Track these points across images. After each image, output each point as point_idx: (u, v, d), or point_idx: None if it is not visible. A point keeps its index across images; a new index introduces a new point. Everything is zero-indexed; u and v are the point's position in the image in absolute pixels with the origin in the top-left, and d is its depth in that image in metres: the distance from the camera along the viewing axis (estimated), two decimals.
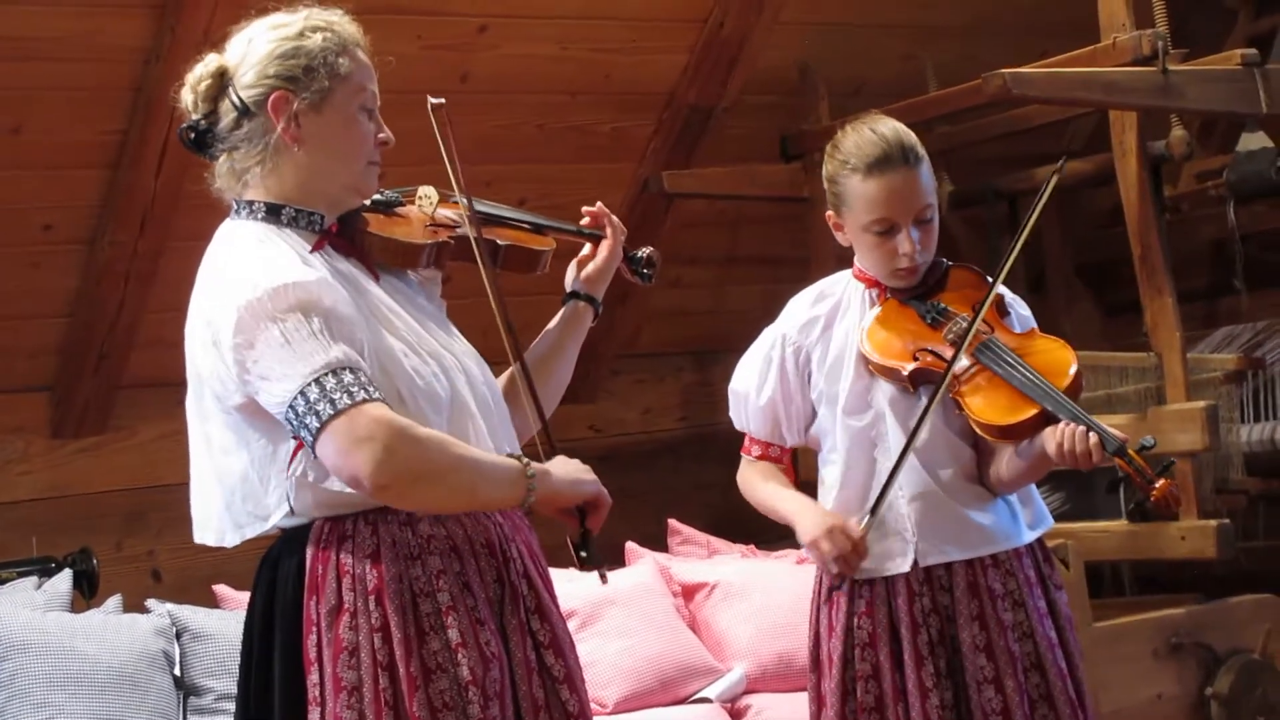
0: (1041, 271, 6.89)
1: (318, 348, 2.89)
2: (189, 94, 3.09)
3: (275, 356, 2.88)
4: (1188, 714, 5.38)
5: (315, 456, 2.92)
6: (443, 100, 3.23)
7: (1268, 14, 6.74)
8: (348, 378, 2.88)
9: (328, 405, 2.86)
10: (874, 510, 3.62)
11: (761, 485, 3.83)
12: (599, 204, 3.55)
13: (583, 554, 3.14)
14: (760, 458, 3.85)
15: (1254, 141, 6.14)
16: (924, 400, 3.63)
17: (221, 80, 3.07)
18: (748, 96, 6.43)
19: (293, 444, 2.96)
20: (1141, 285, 5.65)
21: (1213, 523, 5.36)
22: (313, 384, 2.87)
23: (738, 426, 3.89)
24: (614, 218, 3.54)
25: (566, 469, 3.12)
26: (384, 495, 2.93)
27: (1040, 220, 6.99)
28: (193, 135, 3.09)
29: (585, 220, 3.53)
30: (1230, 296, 6.50)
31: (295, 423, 2.89)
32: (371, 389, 2.90)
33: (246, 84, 3.04)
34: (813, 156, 6.45)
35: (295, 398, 2.87)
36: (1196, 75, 5.50)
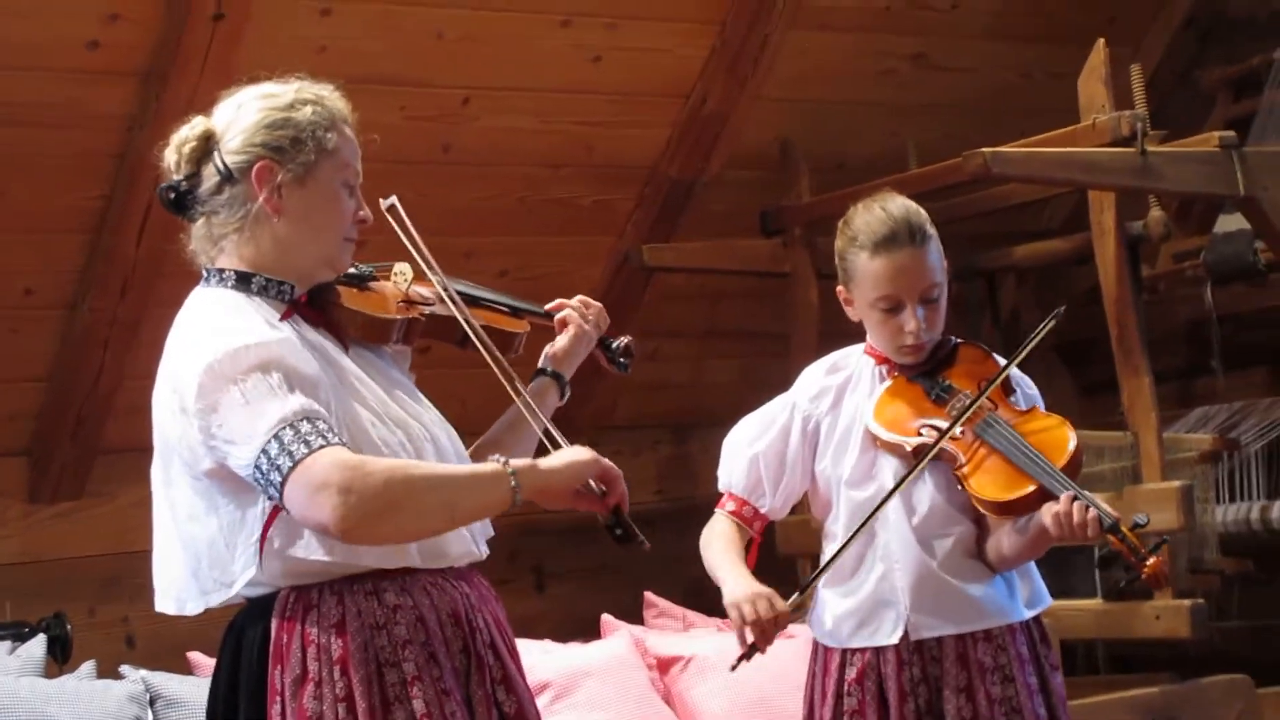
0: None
1: (274, 403, 2.88)
2: (173, 154, 3.09)
3: (237, 418, 2.88)
4: None
5: (286, 512, 2.91)
6: (394, 199, 3.21)
7: (1246, 97, 6.78)
8: (305, 427, 2.87)
9: (286, 459, 2.85)
10: (803, 590, 3.63)
11: (715, 544, 3.77)
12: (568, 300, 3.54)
13: (617, 532, 3.10)
14: (733, 513, 3.81)
15: (1231, 223, 6.18)
16: (928, 476, 3.65)
17: (207, 144, 3.07)
18: (729, 172, 6.46)
19: (260, 509, 2.95)
20: (1118, 364, 5.66)
21: (1187, 602, 5.36)
22: (272, 440, 2.86)
23: (721, 482, 3.85)
24: (586, 302, 3.52)
25: (559, 455, 3.08)
26: (354, 538, 2.90)
27: (1018, 298, 7.07)
28: (173, 195, 3.09)
29: (549, 306, 3.51)
30: (1207, 377, 6.52)
31: (262, 483, 2.88)
32: (330, 434, 2.88)
33: (232, 150, 3.05)
34: (793, 232, 6.48)
35: (259, 457, 2.86)
36: (1175, 157, 5.53)
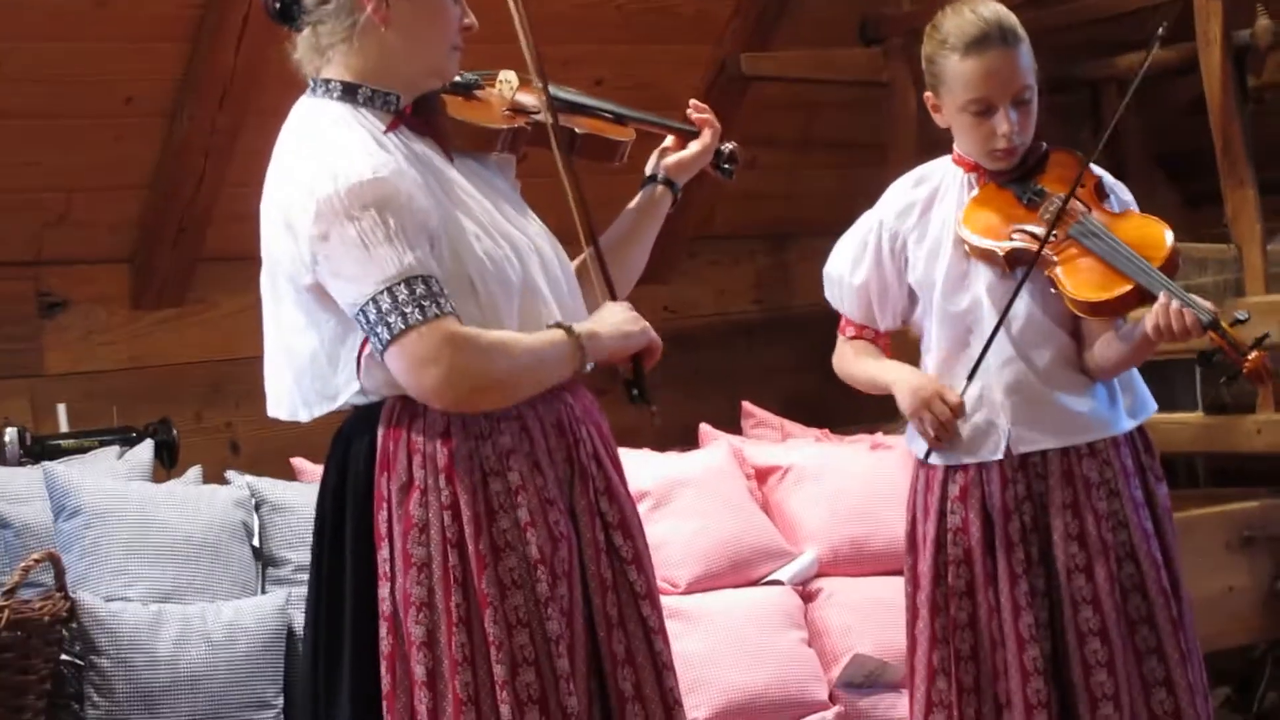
0: (1122, 161, 6.83)
1: (392, 254, 2.90)
2: None
3: (349, 256, 2.90)
4: (1258, 606, 5.38)
5: (382, 362, 2.95)
6: None
7: None
8: (419, 289, 2.90)
9: (398, 319, 2.89)
10: (970, 377, 3.64)
11: (857, 361, 3.90)
12: (694, 103, 3.56)
13: (634, 390, 3.17)
14: (855, 338, 3.90)
15: None
16: (1024, 286, 3.64)
17: None
18: None
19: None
20: (1222, 176, 5.60)
21: None
22: (384, 293, 2.89)
23: (834, 306, 3.92)
24: (714, 119, 3.53)
25: (614, 323, 3.14)
26: (449, 407, 2.98)
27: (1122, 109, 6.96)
28: (279, 5, 3.08)
29: (692, 116, 3.53)
30: None
31: (365, 327, 2.93)
32: (442, 300, 2.92)
33: None
34: (892, 41, 6.41)
35: (366, 304, 2.90)
36: None
